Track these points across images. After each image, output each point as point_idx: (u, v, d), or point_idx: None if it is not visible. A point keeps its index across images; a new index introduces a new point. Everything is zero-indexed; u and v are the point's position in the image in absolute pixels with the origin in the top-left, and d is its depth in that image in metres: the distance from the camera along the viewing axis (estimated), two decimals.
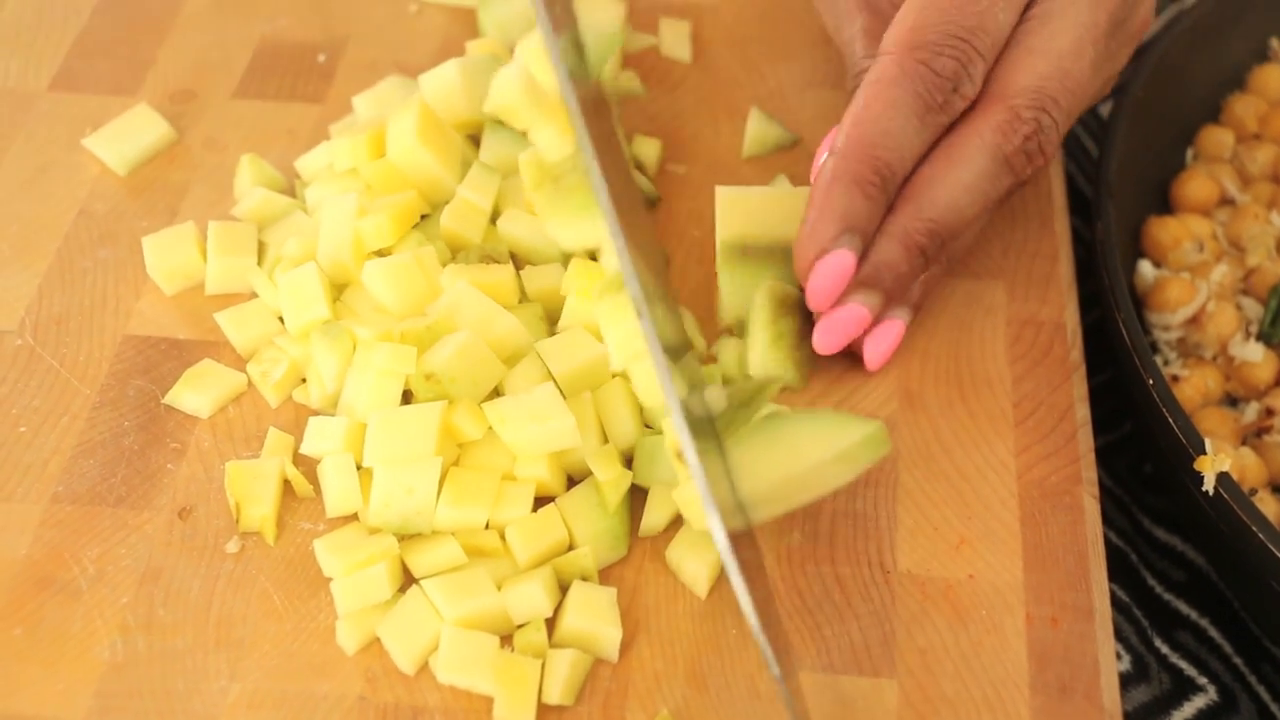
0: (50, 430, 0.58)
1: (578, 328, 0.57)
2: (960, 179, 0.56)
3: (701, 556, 0.53)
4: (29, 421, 0.58)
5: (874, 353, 0.59)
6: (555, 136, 0.58)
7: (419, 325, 0.56)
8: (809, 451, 0.52)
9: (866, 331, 0.58)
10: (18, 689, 0.51)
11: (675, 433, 0.48)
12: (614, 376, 0.56)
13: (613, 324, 0.55)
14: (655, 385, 0.53)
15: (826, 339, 0.57)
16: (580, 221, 0.56)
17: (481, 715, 0.51)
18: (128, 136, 0.67)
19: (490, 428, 0.55)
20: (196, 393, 0.58)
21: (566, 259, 0.60)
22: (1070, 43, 0.56)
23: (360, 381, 0.56)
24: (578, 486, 0.55)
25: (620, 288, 0.53)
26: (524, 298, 0.59)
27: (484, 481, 0.54)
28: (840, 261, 0.55)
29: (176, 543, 0.55)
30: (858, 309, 0.56)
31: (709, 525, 0.45)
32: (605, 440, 0.56)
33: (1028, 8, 0.57)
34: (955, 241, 0.58)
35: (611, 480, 0.54)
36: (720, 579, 0.54)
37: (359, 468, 0.55)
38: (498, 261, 0.59)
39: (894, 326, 0.59)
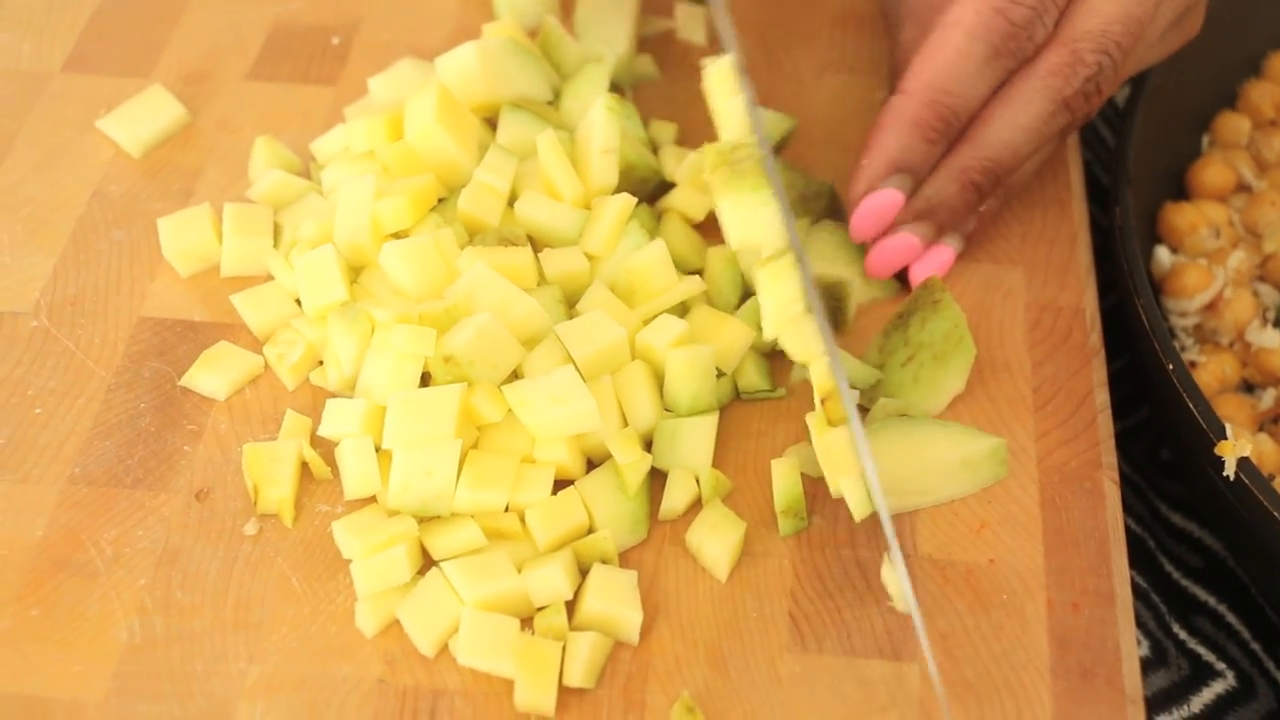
0: (66, 412, 0.58)
1: (598, 310, 0.57)
2: (1018, 119, 0.58)
3: (722, 540, 0.53)
4: (44, 403, 0.58)
5: (919, 275, 0.60)
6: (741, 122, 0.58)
7: (437, 308, 0.55)
8: (937, 451, 0.55)
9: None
10: (35, 670, 0.51)
11: (826, 379, 0.53)
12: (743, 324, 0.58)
13: (771, 290, 0.55)
14: (806, 345, 0.55)
15: (878, 264, 0.60)
16: (749, 203, 0.57)
17: (501, 698, 0.50)
18: (141, 118, 0.67)
19: (510, 410, 0.54)
20: (213, 375, 0.58)
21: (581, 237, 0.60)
22: None
23: (379, 364, 0.55)
24: (597, 469, 0.55)
25: (782, 255, 0.54)
26: (543, 280, 0.59)
27: (503, 464, 0.54)
28: (886, 199, 0.58)
29: (194, 525, 0.55)
30: (909, 238, 0.59)
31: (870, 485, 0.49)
32: (625, 423, 0.56)
33: None
34: (1010, 176, 0.60)
35: (632, 463, 0.54)
36: (740, 562, 0.54)
37: (377, 450, 0.55)
38: (516, 244, 0.59)
39: (944, 253, 0.60)
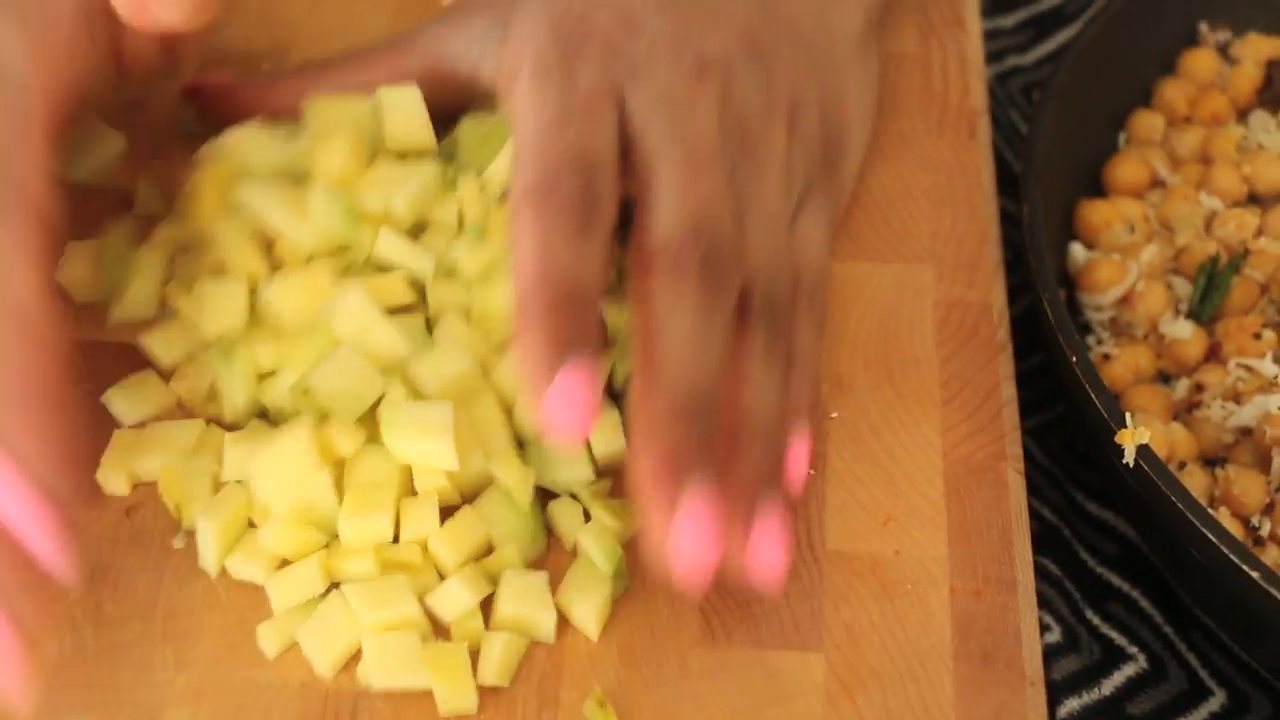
0: None
1: (450, 340, 0.57)
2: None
3: (589, 598, 0.53)
4: None
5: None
6: None
7: (303, 341, 0.56)
8: None
9: None
10: None
11: None
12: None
13: None
14: None
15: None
16: None
17: (423, 700, 0.52)
18: (78, 147, 0.68)
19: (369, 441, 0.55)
20: (126, 400, 0.59)
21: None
22: None
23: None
24: (486, 491, 0.56)
25: None
26: (420, 304, 0.59)
27: (381, 492, 0.54)
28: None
29: (124, 540, 0.56)
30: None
31: None
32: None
33: None
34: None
35: (519, 481, 0.55)
36: (611, 621, 0.54)
37: None
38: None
39: None
